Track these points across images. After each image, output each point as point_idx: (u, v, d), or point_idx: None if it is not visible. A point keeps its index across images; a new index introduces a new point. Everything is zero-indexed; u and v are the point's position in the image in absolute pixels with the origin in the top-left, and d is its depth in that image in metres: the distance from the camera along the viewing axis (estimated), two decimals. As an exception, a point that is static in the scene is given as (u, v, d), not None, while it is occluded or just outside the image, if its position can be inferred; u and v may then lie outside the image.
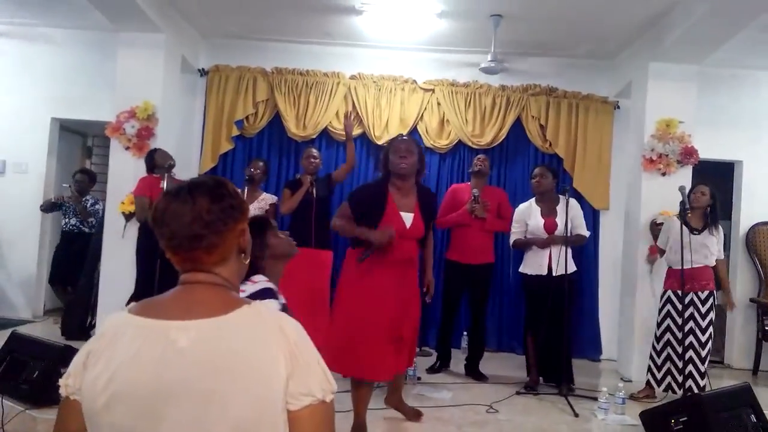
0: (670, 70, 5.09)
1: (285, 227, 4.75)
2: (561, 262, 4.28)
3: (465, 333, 5.06)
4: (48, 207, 5.73)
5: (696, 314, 4.21)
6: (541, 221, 4.50)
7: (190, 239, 1.17)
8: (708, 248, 4.27)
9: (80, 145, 7.04)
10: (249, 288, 2.08)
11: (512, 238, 4.69)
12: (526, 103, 5.93)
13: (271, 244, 2.27)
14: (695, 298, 4.23)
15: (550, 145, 5.91)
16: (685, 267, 4.00)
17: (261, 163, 5.08)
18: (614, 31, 5.29)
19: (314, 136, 5.93)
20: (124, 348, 1.10)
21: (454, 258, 4.85)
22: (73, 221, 5.69)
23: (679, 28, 4.63)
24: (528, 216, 4.60)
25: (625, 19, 4.99)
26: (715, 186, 4.43)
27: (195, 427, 1.06)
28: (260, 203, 4.92)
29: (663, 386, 4.29)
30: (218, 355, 1.08)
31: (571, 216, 4.38)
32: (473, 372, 4.76)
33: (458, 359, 4.97)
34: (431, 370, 4.81)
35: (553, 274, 4.33)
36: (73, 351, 3.60)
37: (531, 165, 5.92)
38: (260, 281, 2.12)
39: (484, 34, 5.35)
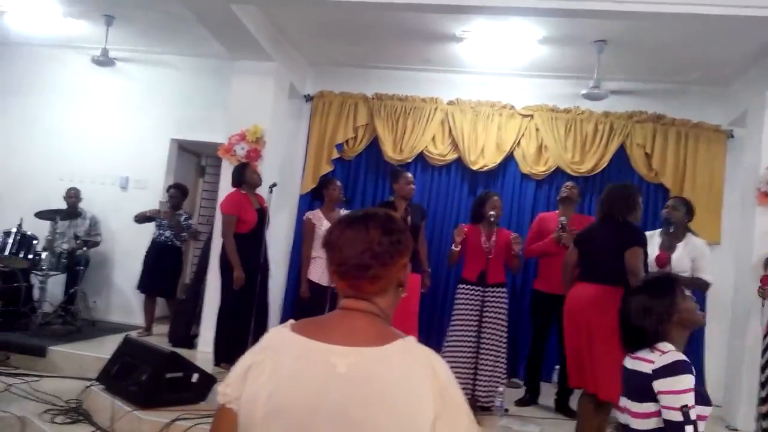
0: (790, 99, 4.73)
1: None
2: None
3: (557, 367, 4.88)
4: (141, 219, 5.92)
5: None
6: (656, 253, 4.26)
7: (359, 268, 1.20)
8: None
9: (195, 164, 7.55)
10: (659, 360, 1.98)
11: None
12: (631, 130, 5.71)
13: (682, 308, 2.07)
14: None
15: (656, 174, 5.64)
16: None
17: (338, 182, 5.11)
18: (727, 57, 5.00)
19: (410, 160, 6.02)
20: (287, 365, 1.15)
21: (542, 288, 4.72)
22: (167, 233, 5.87)
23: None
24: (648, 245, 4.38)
25: (739, 45, 4.71)
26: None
27: None
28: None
29: None
30: (373, 385, 1.11)
31: (693, 256, 4.07)
32: (563, 408, 4.57)
33: (549, 394, 4.79)
34: (520, 402, 4.67)
35: None
36: (179, 357, 3.88)
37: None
38: (670, 350, 2.01)
39: (587, 59, 5.23)
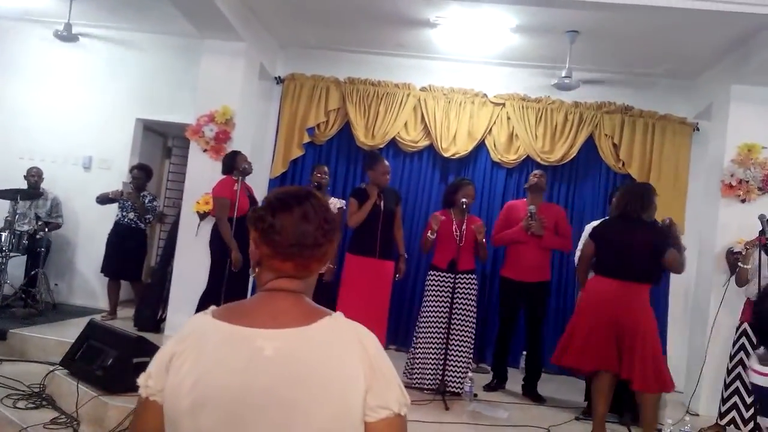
0: (754, 93, 4.87)
1: (349, 234, 4.83)
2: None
3: (524, 353, 4.97)
4: (104, 200, 5.78)
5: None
6: None
7: (312, 247, 1.19)
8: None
9: (161, 145, 7.39)
10: None
11: (578, 255, 4.58)
12: (600, 120, 5.80)
13: None
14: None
15: (624, 165, 5.75)
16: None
17: (326, 168, 5.14)
18: (695, 51, 5.10)
19: (382, 146, 6.00)
20: (211, 353, 1.12)
21: (509, 275, 4.77)
22: (130, 215, 5.72)
23: (766, 50, 4.43)
24: None
25: (707, 39, 4.81)
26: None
27: None
28: (330, 207, 4.98)
29: (726, 420, 4.10)
30: (302, 365, 1.11)
31: None
32: (531, 393, 4.67)
33: (516, 378, 4.88)
34: (488, 387, 4.75)
35: None
36: (145, 342, 3.81)
37: (602, 184, 5.80)
38: None
39: (559, 49, 5.28)
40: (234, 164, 4.77)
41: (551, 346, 5.61)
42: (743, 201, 4.87)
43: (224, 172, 4.84)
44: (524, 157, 5.89)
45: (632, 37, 5.01)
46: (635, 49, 5.26)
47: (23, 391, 3.90)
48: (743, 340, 4.12)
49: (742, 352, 4.10)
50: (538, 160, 5.81)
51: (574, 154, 5.82)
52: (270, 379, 1.09)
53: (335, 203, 5.09)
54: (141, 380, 1.18)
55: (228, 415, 1.09)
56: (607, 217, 4.18)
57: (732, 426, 4.08)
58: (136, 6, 5.73)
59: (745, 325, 4.13)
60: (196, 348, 1.14)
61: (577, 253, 4.57)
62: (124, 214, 5.74)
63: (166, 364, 1.15)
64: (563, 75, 5.33)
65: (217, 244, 4.71)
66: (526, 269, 4.67)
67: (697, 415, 4.59)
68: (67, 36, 5.91)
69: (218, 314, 1.18)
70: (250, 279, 5.01)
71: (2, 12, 6.27)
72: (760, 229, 3.97)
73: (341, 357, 1.13)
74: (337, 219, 4.73)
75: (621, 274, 3.62)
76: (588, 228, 4.61)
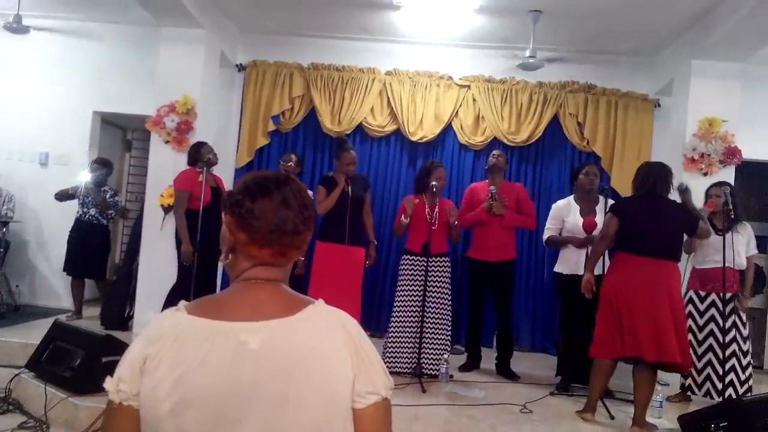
0: (714, 68, 4.97)
1: (318, 222, 4.78)
2: (598, 262, 4.19)
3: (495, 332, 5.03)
4: (63, 196, 5.59)
5: (717, 316, 4.18)
6: (580, 220, 4.43)
7: (292, 234, 1.15)
8: (734, 249, 4.13)
9: (120, 138, 7.18)
10: None
11: (546, 235, 4.63)
12: (564, 100, 5.85)
13: None
14: (717, 300, 4.18)
15: (588, 143, 5.82)
16: (707, 267, 4.14)
17: (294, 156, 5.07)
18: (656, 28, 5.18)
19: (349, 132, 5.94)
20: (190, 352, 1.06)
21: (475, 256, 4.81)
22: (92, 212, 5.55)
23: (725, 25, 4.51)
24: (566, 213, 4.54)
25: (667, 16, 4.88)
26: (759, 186, 4.32)
27: (271, 430, 1.05)
28: None
29: (702, 392, 4.21)
30: (290, 357, 1.07)
31: None
32: (504, 371, 4.72)
33: (490, 358, 4.93)
34: (463, 368, 4.78)
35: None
36: (114, 340, 3.71)
37: (567, 163, 5.86)
38: None
39: (523, 29, 5.29)
40: (198, 156, 4.68)
41: (526, 326, 5.73)
42: (705, 174, 4.98)
43: (189, 163, 4.75)
44: (491, 138, 5.91)
45: (594, 16, 5.05)
46: (597, 27, 5.30)
47: (-12, 396, 3.76)
48: (689, 307, 4.25)
49: (712, 323, 4.21)
50: (505, 141, 5.83)
51: (540, 134, 5.87)
52: (257, 372, 1.05)
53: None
54: (110, 386, 1.10)
55: (214, 413, 1.04)
56: (628, 196, 4.06)
57: (707, 397, 4.19)
58: (88, -6, 5.53)
59: (691, 293, 4.31)
60: (172, 348, 1.07)
61: (546, 233, 4.62)
62: (85, 210, 5.56)
63: (140, 366, 1.08)
64: (527, 55, 5.36)
65: (178, 237, 4.62)
66: (491, 249, 4.71)
67: (667, 384, 4.71)
68: (18, 28, 5.68)
69: (193, 310, 1.12)
70: (219, 271, 4.94)
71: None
72: (723, 200, 4.06)
73: (328, 346, 1.10)
74: None
75: (655, 253, 3.55)
76: (554, 208, 4.66)
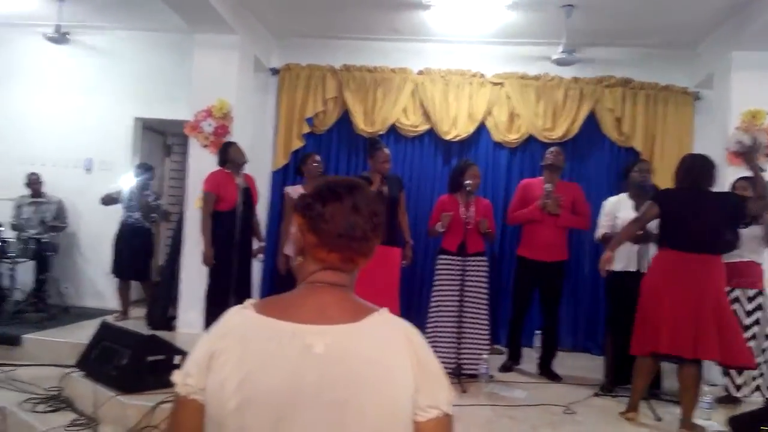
0: (756, 59, 4.84)
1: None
2: (643, 260, 4.10)
3: (538, 331, 4.97)
4: (108, 201, 5.77)
5: (741, 312, 4.05)
6: (633, 216, 4.33)
7: (360, 239, 1.16)
8: (759, 241, 4.00)
9: (161, 143, 7.36)
10: None
11: (600, 231, 4.53)
12: (601, 95, 5.76)
13: None
14: (741, 295, 4.06)
15: (627, 138, 5.72)
16: (732, 260, 3.89)
17: (318, 157, 5.06)
18: (693, 20, 5.05)
19: (382, 132, 5.96)
20: (257, 350, 1.08)
21: (525, 255, 4.72)
22: (135, 215, 5.72)
23: (766, 14, 4.38)
24: (618, 209, 4.44)
25: (704, 6, 4.77)
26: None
27: None
28: None
29: (743, 392, 4.11)
30: (353, 364, 1.07)
31: None
32: (546, 371, 4.67)
33: (530, 358, 4.88)
34: (503, 368, 4.74)
35: (641, 271, 4.08)
36: (158, 340, 3.82)
37: (605, 160, 5.77)
38: None
39: (556, 24, 5.23)
40: (227, 155, 4.75)
41: (567, 325, 5.65)
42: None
43: (219, 164, 4.83)
44: (526, 136, 5.85)
45: (628, 9, 4.96)
46: (632, 20, 5.20)
47: (41, 394, 3.90)
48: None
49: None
50: (541, 138, 5.77)
51: (577, 131, 5.79)
52: (320, 377, 1.06)
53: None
54: (178, 378, 1.13)
55: (276, 414, 1.05)
56: (672, 188, 3.87)
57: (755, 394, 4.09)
58: (127, 4, 5.68)
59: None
60: (239, 345, 1.09)
61: (600, 231, 4.54)
62: (129, 214, 5.73)
63: (207, 361, 1.10)
64: (561, 50, 5.30)
65: (214, 238, 4.67)
66: (543, 248, 4.61)
67: (716, 385, 4.59)
68: (58, 38, 5.88)
69: (260, 308, 1.14)
70: (257, 270, 5.01)
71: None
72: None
73: (391, 355, 1.09)
74: None
75: (698, 248, 3.45)
76: (606, 204, 4.57)
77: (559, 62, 5.41)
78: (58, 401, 3.81)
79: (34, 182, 6.04)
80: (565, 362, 4.98)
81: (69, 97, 6.50)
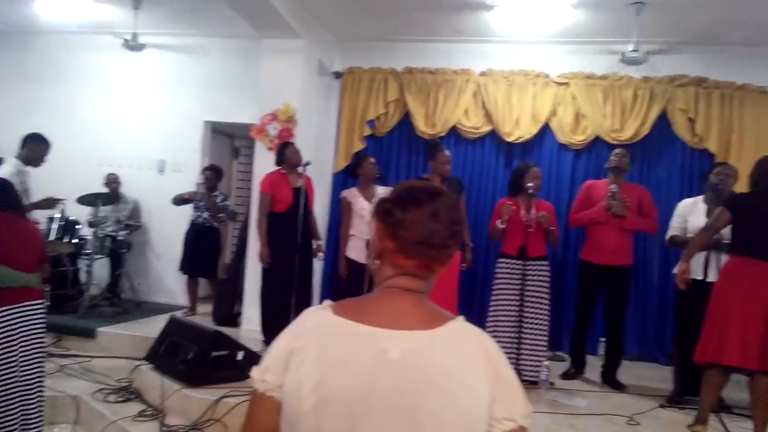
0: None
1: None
2: (720, 266, 3.89)
3: (603, 339, 4.81)
4: (179, 201, 6.00)
5: None
6: (704, 221, 4.15)
7: (438, 247, 1.14)
8: None
9: (229, 146, 7.60)
10: None
11: (670, 233, 4.36)
12: (672, 94, 5.52)
13: None
14: None
15: (701, 140, 5.46)
16: None
17: (372, 159, 5.05)
18: (773, 15, 4.77)
19: (443, 134, 5.94)
20: (334, 352, 1.09)
21: (589, 258, 4.58)
22: (204, 215, 5.93)
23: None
24: (689, 212, 4.26)
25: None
26: None
27: None
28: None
29: None
30: (429, 370, 1.06)
31: None
32: (610, 380, 4.51)
33: (594, 366, 4.74)
34: (565, 376, 4.62)
35: (708, 280, 3.91)
36: (222, 336, 3.94)
37: (677, 162, 5.54)
38: None
39: (625, 22, 5.06)
40: (283, 156, 4.84)
41: (634, 333, 5.45)
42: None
43: (276, 164, 4.92)
44: (592, 137, 5.69)
45: (703, 4, 4.74)
46: (707, 16, 4.96)
47: (112, 385, 4.11)
48: None
49: None
50: (608, 139, 5.59)
51: (647, 132, 5.57)
52: (395, 382, 1.05)
53: (386, 192, 4.98)
54: (256, 374, 1.15)
55: (351, 416, 1.06)
56: (745, 192, 3.71)
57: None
58: (197, 11, 5.91)
59: None
60: (317, 345, 1.10)
61: (670, 231, 4.36)
62: (199, 214, 5.95)
63: (285, 359, 1.12)
64: (630, 49, 5.14)
65: (270, 239, 4.76)
66: (607, 252, 4.47)
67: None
68: (134, 45, 6.16)
69: (338, 310, 1.14)
70: (315, 272, 5.07)
71: (73, 26, 6.58)
72: None
73: (468, 364, 1.08)
74: None
75: None
76: (680, 206, 4.39)
77: (629, 61, 5.23)
78: (128, 392, 4.01)
79: (111, 182, 6.37)
80: (630, 371, 4.82)
81: (144, 102, 6.82)
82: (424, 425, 1.04)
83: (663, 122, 5.58)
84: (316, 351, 1.09)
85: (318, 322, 1.13)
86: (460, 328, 1.13)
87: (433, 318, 1.12)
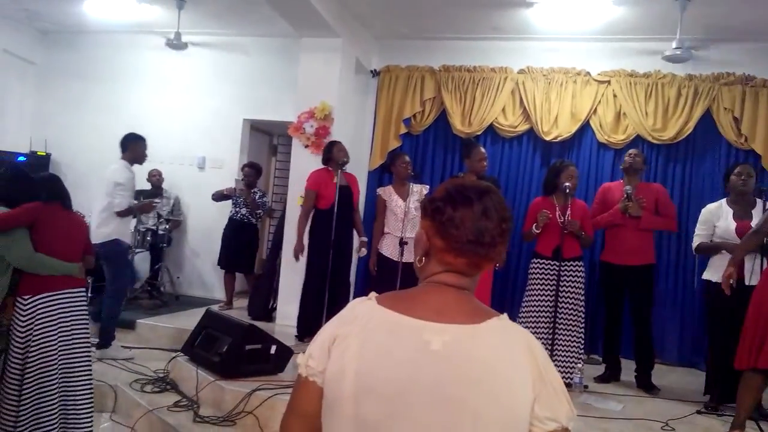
0: None
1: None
2: (756, 270, 3.78)
3: (637, 341, 4.71)
4: (219, 197, 6.12)
5: None
6: (733, 224, 4.03)
7: (488, 245, 1.13)
8: None
9: (267, 143, 7.71)
10: None
11: (696, 241, 4.27)
12: (718, 93, 5.35)
13: None
14: None
15: (746, 140, 5.27)
16: None
17: (407, 157, 5.02)
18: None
19: (479, 133, 5.90)
20: (377, 341, 1.10)
21: (609, 259, 4.55)
22: (243, 211, 6.03)
23: None
24: (717, 217, 4.15)
25: None
26: None
27: None
28: (415, 196, 4.85)
29: None
30: (470, 364, 1.06)
31: None
32: (645, 384, 4.41)
33: (631, 370, 4.62)
34: (599, 379, 4.54)
35: (745, 284, 3.80)
36: (257, 330, 4.00)
37: (722, 162, 5.37)
38: None
39: (668, 19, 4.93)
40: (330, 155, 4.88)
41: (673, 337, 5.32)
42: None
43: (323, 162, 4.97)
44: (634, 136, 5.56)
45: (749, 0, 4.57)
46: (755, 12, 4.79)
47: (149, 376, 4.23)
48: None
49: None
50: (650, 139, 5.46)
51: (690, 131, 5.42)
52: (436, 374, 1.06)
53: (422, 190, 4.95)
54: (302, 359, 1.17)
55: (392, 407, 1.06)
56: None
57: None
58: (239, 11, 6.01)
59: None
60: (361, 333, 1.11)
61: (696, 239, 4.26)
62: (237, 210, 6.06)
63: (328, 346, 1.14)
64: (674, 46, 4.99)
65: (311, 234, 4.84)
66: (626, 252, 4.42)
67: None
68: (178, 44, 6.31)
69: (383, 301, 1.15)
70: (353, 269, 5.10)
71: (119, 26, 6.79)
72: None
73: (510, 361, 1.08)
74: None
75: None
76: (704, 212, 4.28)
77: (672, 59, 5.10)
78: (164, 383, 4.10)
79: (154, 176, 6.53)
80: (668, 377, 4.71)
81: (186, 99, 6.97)
82: (464, 418, 1.04)
83: (707, 121, 5.42)
84: (359, 340, 1.10)
85: (364, 312, 1.14)
86: (504, 325, 1.12)
87: (476, 313, 1.12)
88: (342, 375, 1.09)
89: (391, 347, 1.08)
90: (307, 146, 5.55)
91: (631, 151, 4.70)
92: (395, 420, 1.05)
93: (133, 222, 5.92)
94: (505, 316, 1.14)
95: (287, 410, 1.20)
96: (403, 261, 4.53)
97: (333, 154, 4.87)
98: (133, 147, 4.88)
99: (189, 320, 5.07)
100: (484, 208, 1.13)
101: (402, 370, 1.06)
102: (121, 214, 4.72)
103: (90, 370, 3.28)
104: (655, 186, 4.77)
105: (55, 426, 3.05)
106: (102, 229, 4.62)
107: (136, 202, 5.14)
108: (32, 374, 2.99)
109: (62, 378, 3.11)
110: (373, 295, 1.18)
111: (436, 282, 1.16)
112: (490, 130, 5.94)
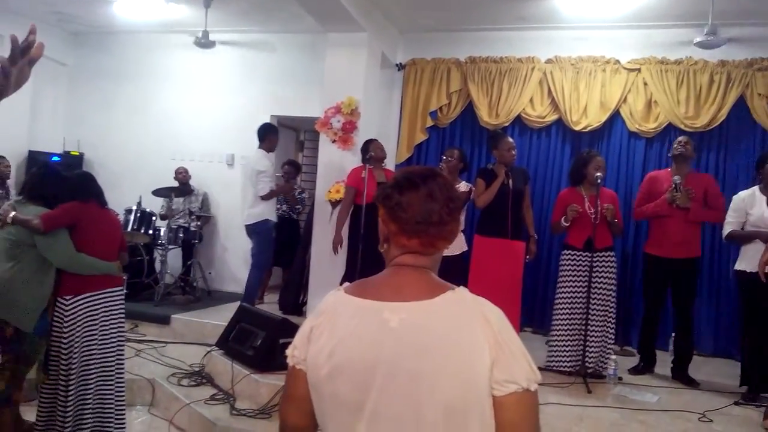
0: None
1: (477, 217, 4.78)
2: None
3: (673, 334, 4.64)
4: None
5: None
6: (767, 212, 3.95)
7: (437, 224, 1.23)
8: None
9: (294, 139, 7.76)
10: None
11: (727, 229, 4.16)
12: (752, 79, 5.23)
13: None
14: None
15: (782, 126, 5.15)
16: None
17: (456, 152, 5.02)
18: None
19: (507, 124, 5.86)
20: (344, 325, 1.21)
21: (654, 252, 4.42)
22: (284, 207, 6.15)
23: None
24: (750, 205, 4.06)
25: None
26: None
27: (407, 403, 1.13)
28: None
29: None
30: (426, 337, 1.15)
31: None
32: (681, 376, 4.35)
33: (665, 362, 4.58)
34: (634, 371, 4.49)
35: None
36: (289, 324, 4.04)
37: (757, 149, 5.25)
38: None
39: (699, 4, 4.83)
40: (365, 152, 4.91)
41: (708, 328, 5.23)
42: None
43: (362, 160, 4.98)
44: (665, 124, 5.47)
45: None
46: (793, -7, 4.67)
47: (185, 370, 4.31)
48: None
49: None
50: (682, 126, 5.36)
51: (723, 118, 5.31)
52: (395, 349, 1.15)
53: (462, 187, 4.94)
54: (288, 350, 1.30)
55: (361, 382, 1.16)
56: None
57: None
58: (265, 8, 6.05)
59: None
60: (330, 321, 1.23)
61: (727, 227, 4.18)
62: (279, 206, 6.13)
63: (308, 335, 1.26)
64: (706, 32, 4.88)
65: (349, 229, 4.89)
66: (673, 245, 4.31)
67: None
68: (205, 43, 6.37)
69: (349, 290, 1.27)
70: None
71: (147, 25, 6.89)
72: None
73: (464, 329, 1.15)
74: (463, 199, 4.73)
75: None
76: (736, 199, 4.19)
77: (704, 45, 4.99)
78: (200, 377, 4.18)
79: (180, 173, 6.62)
80: (703, 368, 4.65)
81: (214, 97, 7.05)
82: (421, 388, 1.12)
83: (741, 108, 5.30)
84: (329, 326, 1.22)
85: (333, 302, 1.26)
86: (458, 296, 1.20)
87: (432, 289, 1.21)
88: (317, 358, 1.21)
89: (357, 329, 1.19)
90: (334, 141, 5.56)
91: (680, 138, 4.53)
92: (364, 394, 1.15)
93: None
94: (461, 288, 1.21)
95: (283, 396, 1.35)
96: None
97: (369, 151, 4.89)
98: (270, 137, 5.38)
99: (222, 315, 5.15)
100: (429, 191, 1.23)
101: (367, 350, 1.17)
102: (265, 197, 5.25)
103: (123, 366, 3.35)
104: (705, 176, 4.62)
105: (92, 422, 3.11)
106: (254, 209, 5.30)
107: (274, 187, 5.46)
108: (76, 373, 3.06)
109: (99, 375, 3.17)
110: (344, 285, 1.30)
111: (397, 264, 1.26)
112: (518, 121, 5.90)
